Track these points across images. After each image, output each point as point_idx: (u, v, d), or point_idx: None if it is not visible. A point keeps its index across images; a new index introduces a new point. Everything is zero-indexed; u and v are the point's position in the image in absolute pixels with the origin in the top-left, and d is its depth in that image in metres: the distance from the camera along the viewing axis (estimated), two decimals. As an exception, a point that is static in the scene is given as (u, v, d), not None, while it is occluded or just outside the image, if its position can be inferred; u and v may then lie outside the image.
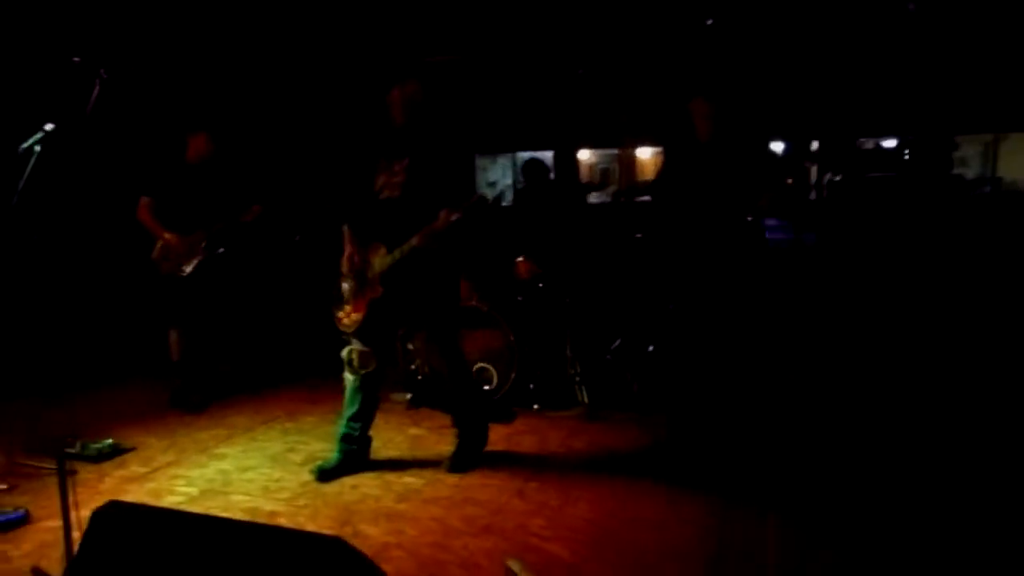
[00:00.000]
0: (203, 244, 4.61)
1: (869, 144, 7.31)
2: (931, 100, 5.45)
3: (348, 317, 3.62)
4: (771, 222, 4.60)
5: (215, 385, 4.95)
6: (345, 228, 3.66)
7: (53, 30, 4.23)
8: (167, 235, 4.57)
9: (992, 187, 7.98)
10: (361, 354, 3.60)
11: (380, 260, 3.53)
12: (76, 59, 2.59)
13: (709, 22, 5.19)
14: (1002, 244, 4.99)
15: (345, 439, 3.68)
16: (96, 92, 2.60)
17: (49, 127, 3.22)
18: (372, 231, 3.58)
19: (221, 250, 4.69)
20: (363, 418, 3.71)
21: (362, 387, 3.66)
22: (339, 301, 3.65)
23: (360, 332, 3.60)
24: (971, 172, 8.62)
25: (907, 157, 5.64)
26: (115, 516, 2.14)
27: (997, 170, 8.46)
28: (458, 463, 3.69)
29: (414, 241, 3.40)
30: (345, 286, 3.64)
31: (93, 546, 2.12)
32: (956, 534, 2.89)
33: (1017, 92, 5.48)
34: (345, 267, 3.64)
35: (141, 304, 5.12)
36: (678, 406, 4.33)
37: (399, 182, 3.50)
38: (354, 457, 3.69)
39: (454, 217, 3.33)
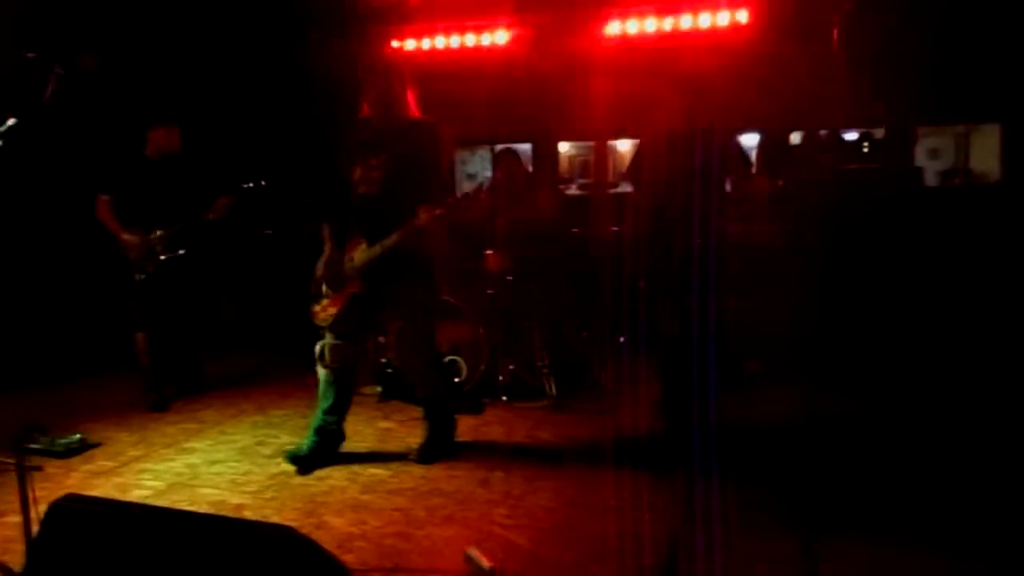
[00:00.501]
0: (162, 245, 4.55)
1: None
2: (899, 92, 5.51)
3: (324, 311, 3.64)
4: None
5: (190, 382, 4.95)
6: (325, 225, 3.67)
7: (10, 23, 4.18)
8: (125, 235, 4.51)
9: (963, 178, 8.07)
10: (333, 348, 3.62)
11: (360, 255, 3.54)
12: (31, 54, 2.59)
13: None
14: (964, 236, 5.06)
15: (319, 431, 3.71)
16: (51, 87, 2.60)
17: (12, 121, 3.23)
18: (351, 226, 3.59)
19: (182, 252, 4.60)
20: (337, 411, 3.72)
21: (335, 381, 3.67)
22: (317, 296, 3.66)
23: (334, 326, 3.62)
24: (943, 164, 8.71)
25: (865, 150, 5.71)
26: (71, 510, 2.17)
27: (969, 161, 8.55)
28: (426, 454, 3.73)
29: (395, 237, 3.43)
30: (324, 281, 3.64)
31: (49, 539, 2.15)
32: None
33: (988, 84, 5.55)
34: (321, 263, 3.66)
35: (111, 300, 5.09)
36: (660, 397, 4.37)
37: (377, 177, 3.49)
38: (327, 448, 3.71)
39: (436, 213, 3.36)
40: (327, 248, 3.66)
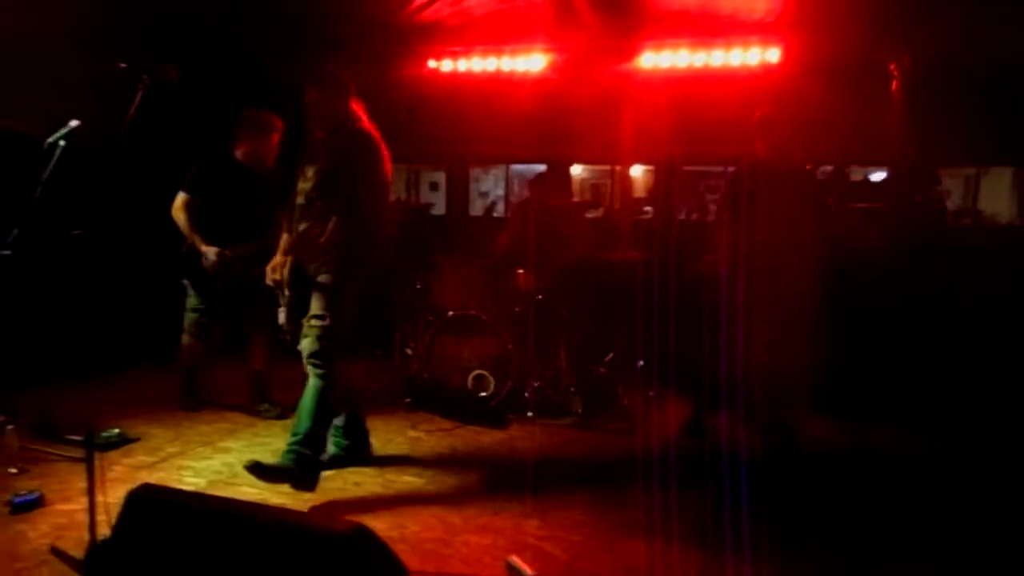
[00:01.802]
0: (241, 262, 4.47)
1: (857, 176, 7.57)
2: (915, 133, 5.65)
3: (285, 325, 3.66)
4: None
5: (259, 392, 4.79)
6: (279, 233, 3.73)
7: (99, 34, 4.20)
8: (204, 246, 4.43)
9: (973, 219, 8.24)
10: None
11: (284, 263, 3.57)
12: (123, 64, 2.72)
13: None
14: (981, 274, 5.19)
15: (303, 442, 3.45)
16: (139, 98, 2.73)
17: (74, 123, 3.36)
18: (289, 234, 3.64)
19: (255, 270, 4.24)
20: (322, 423, 3.54)
21: (317, 397, 3.46)
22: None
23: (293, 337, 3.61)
24: (952, 204, 8.89)
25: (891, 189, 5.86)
26: (148, 499, 2.27)
27: (978, 202, 8.71)
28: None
29: (287, 248, 3.55)
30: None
31: (126, 526, 2.24)
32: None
33: (1001, 127, 5.69)
34: (268, 271, 3.65)
35: (153, 295, 5.13)
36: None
37: (309, 187, 3.52)
38: (306, 465, 3.42)
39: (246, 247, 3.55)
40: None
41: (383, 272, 3.77)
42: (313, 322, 3.46)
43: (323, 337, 3.43)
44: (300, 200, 3.56)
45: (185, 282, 4.58)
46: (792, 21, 5.21)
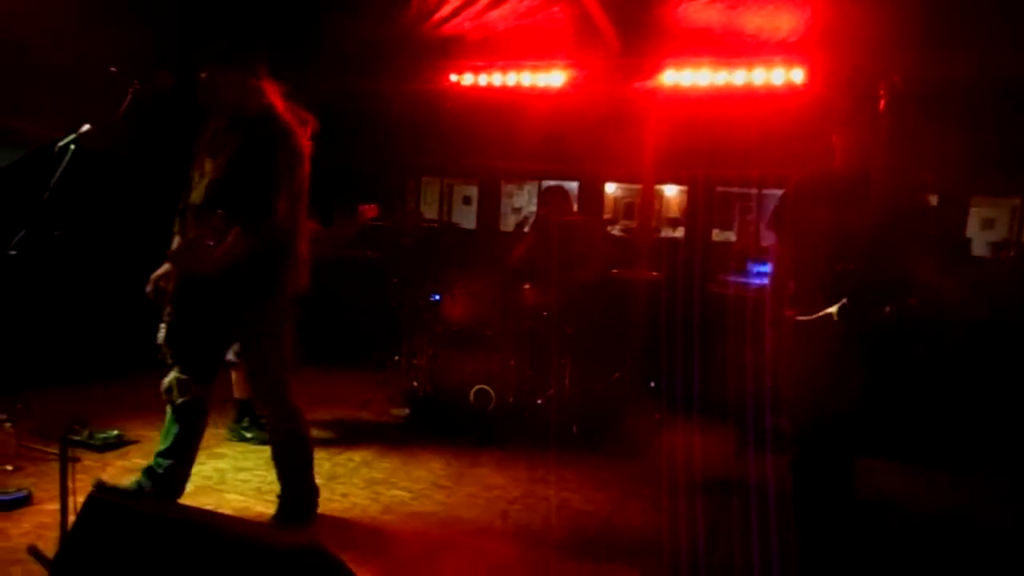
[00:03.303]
0: None
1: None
2: (953, 161, 5.45)
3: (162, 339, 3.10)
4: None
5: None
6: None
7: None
8: None
9: (1016, 251, 7.92)
10: (180, 382, 3.04)
11: (170, 273, 3.05)
12: (113, 69, 2.76)
13: None
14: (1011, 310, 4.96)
15: (147, 472, 3.12)
16: (127, 102, 2.75)
17: (86, 128, 3.41)
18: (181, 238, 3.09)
19: None
20: (174, 455, 3.11)
21: (179, 419, 3.11)
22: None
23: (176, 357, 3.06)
24: (996, 235, 8.59)
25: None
26: (108, 503, 2.26)
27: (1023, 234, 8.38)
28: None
29: (173, 256, 2.97)
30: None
31: (84, 530, 2.24)
32: None
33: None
34: (152, 279, 3.15)
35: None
36: None
37: (206, 184, 2.98)
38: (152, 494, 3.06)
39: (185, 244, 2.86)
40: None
41: (295, 303, 3.14)
42: (185, 350, 3.01)
43: (187, 372, 3.00)
44: (196, 199, 2.99)
45: None
46: (818, 40, 5.08)
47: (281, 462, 3.26)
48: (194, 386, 3.02)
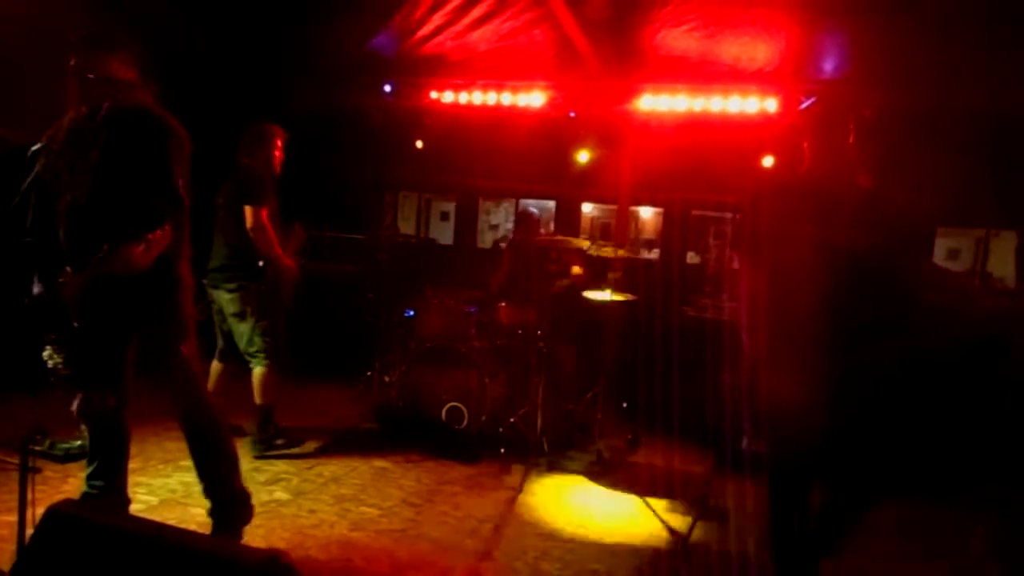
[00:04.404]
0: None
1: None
2: (922, 192, 5.57)
3: (52, 358, 2.86)
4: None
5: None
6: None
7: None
8: (288, 259, 4.25)
9: (980, 281, 8.08)
10: (93, 397, 2.90)
11: (70, 285, 2.73)
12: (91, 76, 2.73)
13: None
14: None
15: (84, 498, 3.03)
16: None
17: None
18: (58, 245, 2.81)
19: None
20: (104, 476, 3.02)
21: (100, 436, 3.01)
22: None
23: (75, 372, 2.87)
24: (961, 265, 8.76)
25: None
26: (68, 517, 2.21)
27: (987, 265, 8.57)
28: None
29: (99, 266, 2.65)
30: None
31: (42, 544, 2.19)
32: None
33: (1008, 190, 5.61)
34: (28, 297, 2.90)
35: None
36: None
37: (86, 182, 2.72)
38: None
39: (147, 239, 2.63)
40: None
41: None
42: (90, 360, 2.87)
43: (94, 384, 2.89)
44: (71, 197, 2.75)
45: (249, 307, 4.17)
46: (792, 71, 5.19)
47: (202, 463, 3.11)
48: (107, 394, 2.90)
